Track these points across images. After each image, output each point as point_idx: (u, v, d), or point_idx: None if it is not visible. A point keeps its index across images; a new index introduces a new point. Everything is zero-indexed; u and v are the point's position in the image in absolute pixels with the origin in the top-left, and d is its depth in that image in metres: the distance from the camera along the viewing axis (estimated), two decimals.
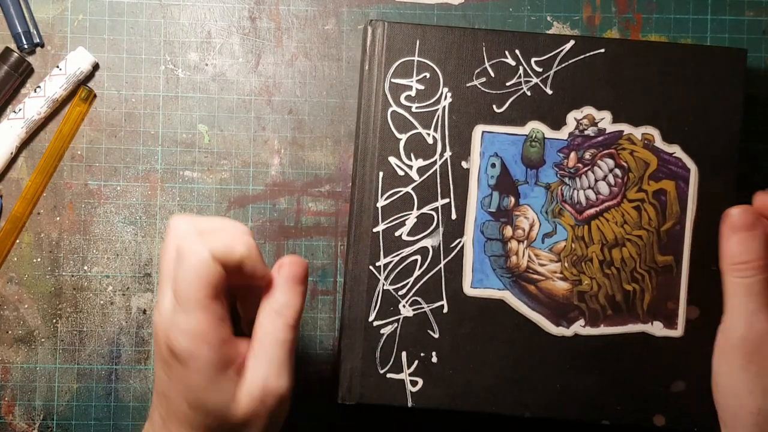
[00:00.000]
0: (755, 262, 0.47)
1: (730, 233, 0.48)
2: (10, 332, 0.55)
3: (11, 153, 0.55)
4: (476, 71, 0.51)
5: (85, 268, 0.55)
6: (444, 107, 0.51)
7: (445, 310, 0.51)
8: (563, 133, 0.51)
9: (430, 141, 0.51)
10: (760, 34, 0.56)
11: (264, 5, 0.56)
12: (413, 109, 0.51)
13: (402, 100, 0.51)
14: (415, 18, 0.56)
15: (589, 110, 0.51)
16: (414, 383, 0.51)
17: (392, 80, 0.51)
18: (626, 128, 0.51)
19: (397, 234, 0.51)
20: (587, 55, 0.51)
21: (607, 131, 0.51)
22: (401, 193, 0.51)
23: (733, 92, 0.51)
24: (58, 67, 0.54)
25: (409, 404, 0.51)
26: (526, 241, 0.51)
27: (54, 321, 0.55)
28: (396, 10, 0.56)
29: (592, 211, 0.51)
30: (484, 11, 0.56)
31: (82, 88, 0.55)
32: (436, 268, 0.51)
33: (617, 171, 0.51)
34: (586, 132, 0.51)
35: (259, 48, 0.56)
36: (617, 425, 0.51)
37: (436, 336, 0.51)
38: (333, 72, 0.56)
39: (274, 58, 0.56)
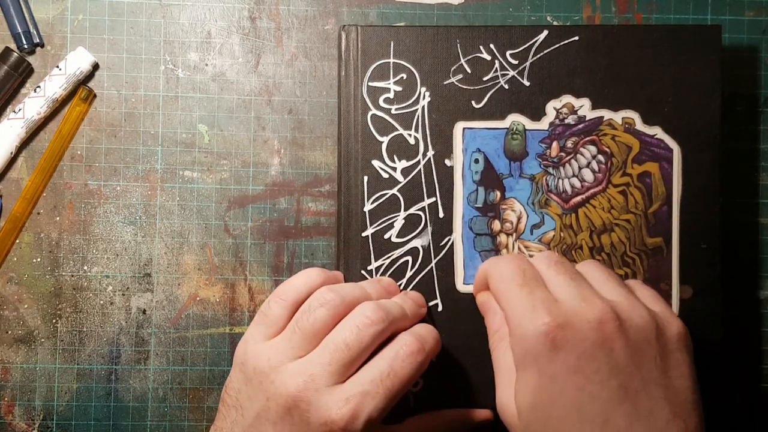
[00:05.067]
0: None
1: None
2: (9, 332, 0.55)
3: (11, 153, 0.55)
4: (452, 68, 0.51)
5: (85, 268, 0.55)
6: (423, 107, 0.51)
7: (440, 308, 0.51)
8: (544, 124, 0.51)
9: (411, 141, 0.51)
10: (760, 34, 0.56)
11: (264, 5, 0.56)
12: (393, 111, 0.51)
13: (381, 102, 0.51)
14: (415, 18, 0.56)
15: (567, 99, 0.51)
16: (415, 384, 0.51)
17: (369, 84, 0.51)
18: (606, 114, 0.51)
19: (386, 237, 0.51)
20: (562, 43, 0.51)
21: (587, 118, 0.51)
22: (387, 196, 0.51)
23: (710, 69, 0.51)
24: (58, 67, 0.54)
25: (411, 406, 0.51)
26: (515, 234, 0.51)
27: (54, 321, 0.55)
28: (396, 10, 0.56)
29: (578, 198, 0.51)
30: (484, 11, 0.56)
31: (82, 88, 0.55)
32: (428, 268, 0.51)
33: (600, 157, 0.51)
34: (566, 120, 0.51)
35: (259, 48, 0.56)
36: None
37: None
38: (333, 72, 0.56)
39: (274, 58, 0.56)
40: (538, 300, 0.42)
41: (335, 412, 0.42)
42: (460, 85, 0.51)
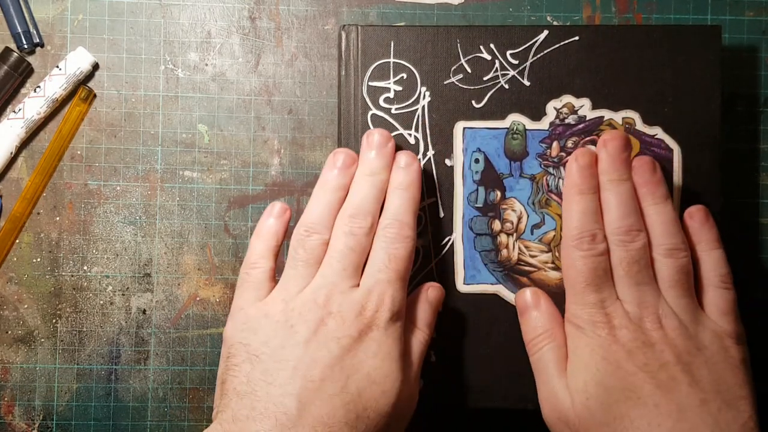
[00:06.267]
0: (541, 335, 0.49)
1: (520, 317, 0.50)
2: (9, 332, 0.55)
3: (11, 153, 0.55)
4: (453, 68, 0.51)
5: (85, 268, 0.55)
6: (423, 107, 0.51)
7: (440, 308, 0.51)
8: (544, 124, 0.51)
9: (412, 141, 0.51)
10: (760, 34, 0.56)
11: (264, 5, 0.56)
12: (393, 111, 0.51)
13: (381, 102, 0.51)
14: (415, 18, 0.56)
15: (568, 98, 0.51)
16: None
17: (369, 83, 0.51)
18: (606, 114, 0.51)
19: None
20: (562, 43, 0.51)
21: (587, 118, 0.51)
22: None
23: (710, 69, 0.51)
24: (57, 67, 0.54)
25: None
26: (515, 234, 0.51)
27: (54, 321, 0.55)
28: (396, 10, 0.56)
29: None
30: (484, 11, 0.56)
31: (81, 88, 0.55)
32: (428, 268, 0.51)
33: None
34: (566, 120, 0.51)
35: (259, 48, 0.56)
36: None
37: (434, 335, 0.51)
38: (333, 72, 0.56)
39: (274, 58, 0.56)
40: (600, 300, 0.46)
41: (365, 303, 0.45)
42: (460, 85, 0.51)
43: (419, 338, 0.48)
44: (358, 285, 0.47)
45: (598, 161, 0.48)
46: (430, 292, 0.50)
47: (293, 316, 0.45)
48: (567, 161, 0.50)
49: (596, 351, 0.45)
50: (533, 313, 0.49)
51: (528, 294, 0.50)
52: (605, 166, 0.48)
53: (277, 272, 0.49)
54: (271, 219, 0.50)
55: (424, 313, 0.49)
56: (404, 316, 0.47)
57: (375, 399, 0.44)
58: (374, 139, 0.49)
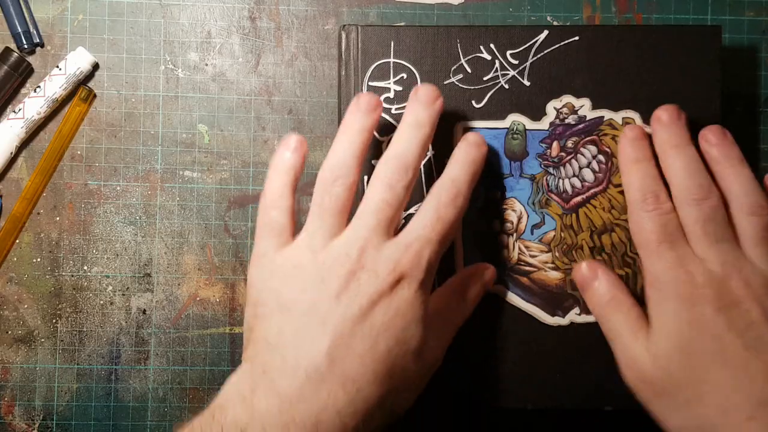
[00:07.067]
0: (608, 303, 0.48)
1: (582, 292, 0.50)
2: (9, 332, 0.55)
3: (11, 153, 0.55)
4: (453, 68, 0.51)
5: (85, 268, 0.55)
6: None
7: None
8: (544, 124, 0.51)
9: None
10: (760, 34, 0.56)
11: (264, 5, 0.56)
12: (393, 111, 0.51)
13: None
14: (415, 18, 0.56)
15: (568, 98, 0.51)
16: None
17: (369, 83, 0.51)
18: (606, 114, 0.51)
19: None
20: (562, 43, 0.51)
21: (587, 118, 0.51)
22: None
23: (710, 69, 0.51)
24: (58, 67, 0.54)
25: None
26: (515, 234, 0.51)
27: (54, 321, 0.55)
28: (396, 10, 0.56)
29: (578, 198, 0.51)
30: (484, 11, 0.56)
31: (81, 88, 0.55)
32: None
33: (600, 157, 0.51)
34: (566, 120, 0.51)
35: (259, 48, 0.56)
36: (620, 410, 0.50)
37: None
38: (333, 72, 0.56)
39: (274, 58, 0.56)
40: (677, 258, 0.45)
41: (400, 257, 0.44)
42: (460, 85, 0.51)
43: (462, 311, 0.49)
44: (391, 238, 0.46)
45: (653, 137, 0.48)
46: (487, 273, 0.50)
47: (324, 268, 0.44)
48: (566, 161, 0.50)
49: (680, 315, 0.44)
50: (594, 284, 0.49)
51: (584, 267, 0.49)
52: (664, 136, 0.48)
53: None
54: (288, 153, 0.47)
55: (474, 289, 0.49)
56: (432, 284, 0.46)
57: (402, 356, 0.44)
58: (422, 94, 0.48)
